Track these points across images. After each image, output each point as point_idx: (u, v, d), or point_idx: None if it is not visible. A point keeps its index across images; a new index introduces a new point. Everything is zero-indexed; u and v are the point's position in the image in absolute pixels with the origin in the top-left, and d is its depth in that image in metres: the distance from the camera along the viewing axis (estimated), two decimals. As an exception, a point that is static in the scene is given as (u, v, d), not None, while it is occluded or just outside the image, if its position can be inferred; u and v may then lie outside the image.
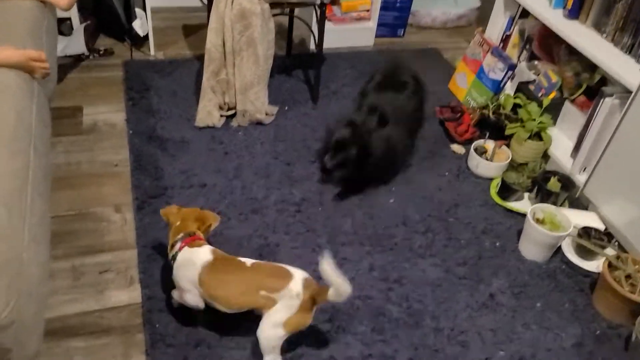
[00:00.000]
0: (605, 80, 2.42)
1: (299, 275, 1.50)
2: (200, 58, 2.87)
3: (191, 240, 1.59)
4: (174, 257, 1.57)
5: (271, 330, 1.47)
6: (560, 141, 2.45)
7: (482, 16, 3.56)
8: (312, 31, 2.51)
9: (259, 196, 2.12)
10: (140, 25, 2.76)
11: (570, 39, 2.31)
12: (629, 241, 2.00)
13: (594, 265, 2.00)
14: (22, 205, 1.24)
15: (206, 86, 2.36)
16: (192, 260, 1.54)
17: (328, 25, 3.14)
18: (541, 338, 1.75)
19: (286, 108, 2.61)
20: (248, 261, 1.57)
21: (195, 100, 2.55)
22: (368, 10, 3.18)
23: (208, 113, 2.39)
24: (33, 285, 1.14)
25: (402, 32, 3.37)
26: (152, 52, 2.86)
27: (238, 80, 2.35)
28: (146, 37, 2.88)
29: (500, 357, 1.68)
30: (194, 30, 3.14)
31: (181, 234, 1.59)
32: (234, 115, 2.47)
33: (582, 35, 2.30)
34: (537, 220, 1.98)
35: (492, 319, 1.79)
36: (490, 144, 2.39)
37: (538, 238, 1.97)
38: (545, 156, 2.43)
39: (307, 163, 2.31)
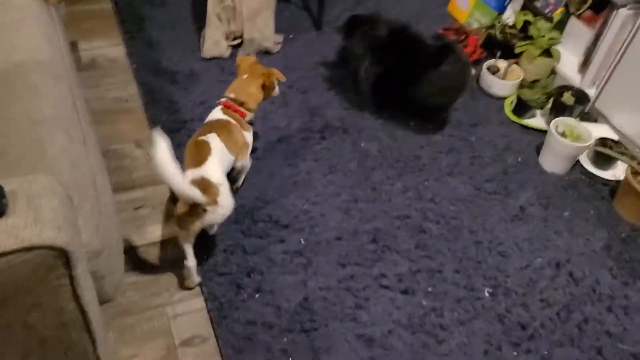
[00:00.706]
0: (608, -7, 2.42)
1: None
2: (191, -12, 2.72)
3: (229, 107, 1.67)
4: None
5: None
6: (566, 57, 2.46)
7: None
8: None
9: (280, 125, 2.08)
10: (127, -48, 2.57)
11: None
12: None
13: (611, 174, 2.08)
14: (78, 131, 1.17)
15: (211, 13, 2.24)
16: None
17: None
18: (572, 244, 1.82)
19: (290, 36, 2.52)
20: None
21: (196, 31, 2.43)
22: None
23: (215, 43, 2.28)
24: (110, 210, 1.09)
25: (394, -45, 3.26)
26: (139, -19, 2.68)
27: (245, 5, 2.24)
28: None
29: (538, 264, 1.74)
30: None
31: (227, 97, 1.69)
32: (240, 45, 2.37)
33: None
34: (560, 134, 2.02)
35: (526, 229, 1.85)
36: (502, 63, 2.40)
37: (561, 150, 2.01)
38: (552, 73, 2.46)
39: (323, 90, 2.26)
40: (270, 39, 2.36)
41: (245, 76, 1.72)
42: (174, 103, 2.09)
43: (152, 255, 1.62)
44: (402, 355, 1.47)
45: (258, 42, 2.34)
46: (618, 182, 2.04)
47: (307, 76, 2.32)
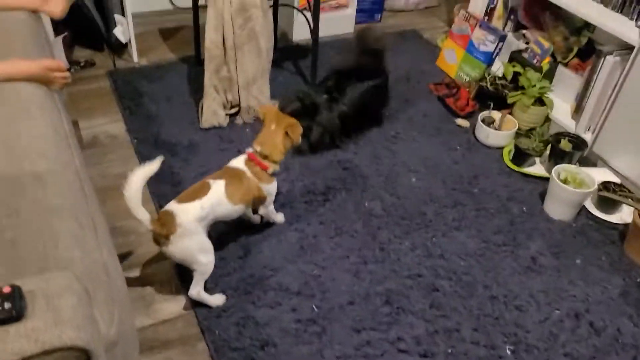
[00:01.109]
0: (591, 41, 2.51)
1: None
2: (185, 60, 2.79)
3: (252, 159, 1.71)
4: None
5: None
6: (558, 104, 2.51)
7: (451, -5, 3.64)
8: (307, 19, 2.48)
9: (283, 190, 2.07)
10: (122, 31, 2.64)
11: (562, 3, 2.38)
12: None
13: (618, 217, 2.08)
14: (87, 216, 1.16)
15: (209, 85, 2.28)
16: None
17: (308, 15, 3.13)
18: (589, 292, 1.79)
19: (286, 101, 2.56)
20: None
21: (192, 102, 2.47)
22: (345, -2, 3.17)
23: (213, 113, 2.31)
24: (123, 296, 1.06)
25: (379, 17, 3.38)
26: (135, 59, 2.75)
27: (240, 75, 2.28)
28: (125, 44, 2.76)
29: (557, 316, 1.71)
30: (172, 34, 3.04)
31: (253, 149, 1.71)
32: (237, 113, 2.40)
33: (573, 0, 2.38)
34: (562, 181, 2.02)
35: (540, 280, 1.82)
36: (496, 114, 2.43)
37: (565, 197, 2.01)
38: (547, 121, 2.50)
39: (323, 152, 2.27)
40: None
41: (273, 126, 1.72)
42: (175, 175, 2.09)
43: (162, 334, 1.57)
44: None
45: (255, 109, 2.37)
46: (626, 225, 2.03)
47: (306, 136, 2.33)
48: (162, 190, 2.01)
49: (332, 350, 1.56)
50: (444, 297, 1.74)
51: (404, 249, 1.89)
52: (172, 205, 1.56)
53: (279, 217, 1.92)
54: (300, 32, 3.05)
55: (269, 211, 1.85)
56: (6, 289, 0.70)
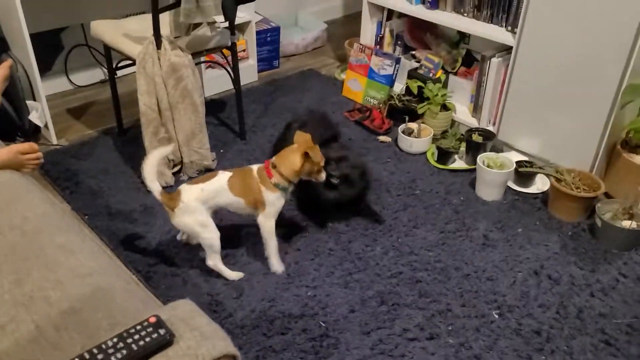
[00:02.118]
0: (469, 51, 2.94)
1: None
2: (107, 133, 2.79)
3: (264, 167, 1.89)
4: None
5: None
6: (458, 108, 2.88)
7: (331, 33, 3.99)
8: (228, 72, 2.62)
9: (251, 229, 2.16)
10: (38, 116, 2.59)
11: (441, 22, 2.78)
12: (547, 160, 2.47)
13: (535, 188, 2.43)
14: (126, 273, 1.19)
15: (150, 148, 2.32)
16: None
17: (212, 72, 3.27)
18: (537, 252, 2.08)
19: (222, 151, 2.66)
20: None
21: (130, 170, 2.48)
22: (244, 50, 3.36)
23: (160, 174, 2.34)
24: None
25: (277, 62, 3.62)
26: (54, 141, 2.69)
27: (180, 133, 2.36)
28: (39, 129, 2.71)
29: (521, 277, 1.97)
30: (81, 111, 3.02)
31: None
32: (180, 170, 2.46)
33: (449, 18, 2.78)
34: (487, 167, 2.34)
35: (497, 252, 2.08)
36: (413, 125, 2.74)
37: (493, 179, 2.33)
38: (454, 122, 2.85)
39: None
40: (209, 157, 2.48)
41: (296, 146, 1.87)
42: (140, 239, 2.09)
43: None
44: (456, 393, 1.57)
45: (197, 163, 2.45)
46: (543, 192, 2.39)
47: (254, 181, 2.45)
48: (133, 257, 2.01)
49: (351, 356, 1.67)
50: (427, 285, 1.93)
51: (377, 254, 2.06)
52: (183, 186, 1.86)
53: (277, 266, 1.97)
54: (210, 88, 3.18)
55: (264, 227, 1.91)
56: (152, 319, 0.75)
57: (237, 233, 2.15)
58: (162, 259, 2.01)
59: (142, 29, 2.32)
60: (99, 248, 1.28)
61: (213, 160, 2.53)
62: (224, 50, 2.62)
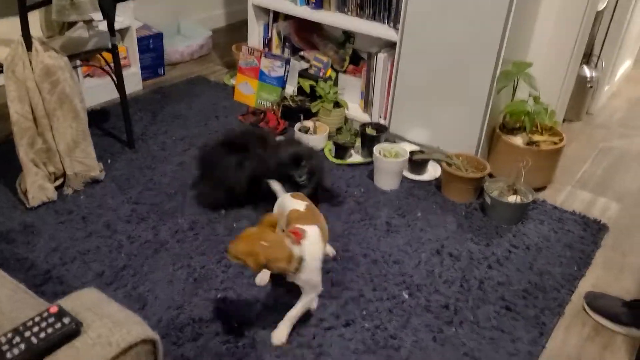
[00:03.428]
0: (355, 50, 3.03)
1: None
2: (-26, 149, 2.50)
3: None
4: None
5: None
6: (349, 105, 2.95)
7: (216, 41, 3.93)
8: (112, 78, 2.45)
9: (149, 237, 2.04)
10: None
11: (327, 22, 2.83)
12: (435, 147, 2.59)
13: (428, 176, 2.54)
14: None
15: (26, 161, 2.11)
16: None
17: (92, 81, 3.07)
18: (437, 233, 2.17)
19: (109, 161, 2.49)
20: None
21: (5, 187, 2.24)
22: (125, 57, 3.19)
23: (40, 188, 2.14)
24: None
25: (163, 70, 3.48)
26: None
27: (60, 143, 2.17)
28: None
29: (425, 257, 2.04)
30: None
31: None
32: (63, 184, 2.26)
33: (334, 18, 2.84)
34: (383, 156, 2.41)
35: (400, 237, 2.14)
36: (308, 123, 2.75)
37: (390, 168, 2.40)
38: (347, 119, 2.91)
39: (172, 195, 2.29)
40: (95, 167, 2.30)
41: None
42: (22, 260, 1.88)
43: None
44: (377, 374, 1.57)
45: (83, 174, 2.27)
46: (436, 179, 2.50)
47: (147, 188, 2.32)
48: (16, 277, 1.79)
49: (269, 353, 1.61)
50: (338, 274, 1.92)
51: (285, 250, 2.02)
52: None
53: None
54: (90, 99, 2.98)
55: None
56: (53, 309, 0.65)
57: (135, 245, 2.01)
58: (50, 278, 1.82)
59: (9, 30, 2.11)
60: None
61: (101, 171, 2.35)
62: (105, 55, 2.46)
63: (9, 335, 0.64)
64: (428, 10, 2.39)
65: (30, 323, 0.65)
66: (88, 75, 3.04)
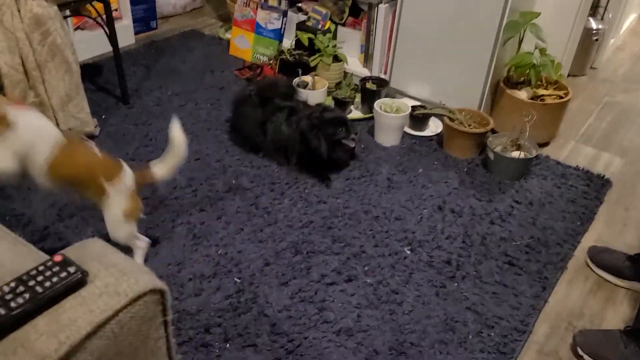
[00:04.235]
0: (355, 2, 2.92)
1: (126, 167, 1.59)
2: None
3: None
4: None
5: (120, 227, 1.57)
6: (349, 59, 2.87)
7: (213, -7, 3.80)
8: (105, 31, 2.36)
9: (147, 194, 2.00)
10: None
11: (327, -28, 2.72)
12: (438, 103, 2.54)
13: (429, 131, 2.49)
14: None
15: (19, 115, 2.04)
16: None
17: (83, 34, 2.97)
18: (439, 189, 2.14)
19: (103, 117, 2.43)
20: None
21: None
22: (117, 10, 3.08)
23: (34, 144, 2.08)
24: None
25: (155, 24, 3.37)
26: None
27: (53, 97, 2.10)
28: None
29: (427, 214, 2.02)
30: None
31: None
32: (58, 140, 2.20)
33: (334, -33, 2.73)
34: (384, 112, 2.36)
35: (402, 193, 2.11)
36: (307, 77, 2.68)
37: (391, 124, 2.35)
38: (346, 74, 2.84)
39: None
40: (90, 123, 2.24)
41: None
42: (19, 217, 1.85)
43: None
44: (380, 328, 1.57)
45: (77, 130, 2.21)
46: (437, 134, 2.46)
47: (145, 144, 2.27)
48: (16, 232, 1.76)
49: (271, 307, 1.60)
50: (339, 231, 1.90)
51: (286, 206, 2.00)
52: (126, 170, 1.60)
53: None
54: (81, 52, 2.88)
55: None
56: (57, 258, 0.62)
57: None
58: (48, 235, 1.79)
59: (-5, -23, 2.01)
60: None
61: (95, 127, 2.29)
62: (96, 5, 2.36)
63: (12, 284, 0.61)
64: (432, -41, 2.29)
65: (34, 272, 0.62)
66: (78, 27, 2.93)
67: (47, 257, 0.96)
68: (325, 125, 2.12)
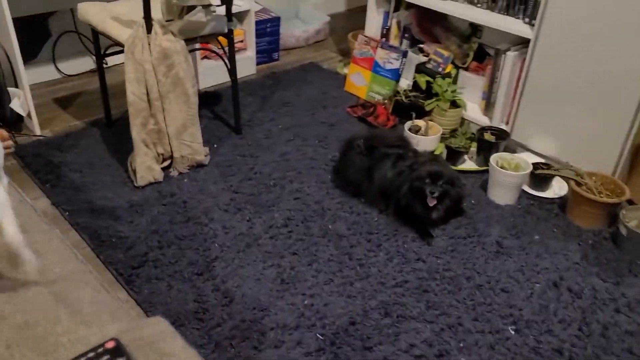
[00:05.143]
0: (481, 45, 2.76)
1: None
2: (94, 124, 2.62)
3: None
4: None
5: None
6: (468, 105, 2.71)
7: (334, 26, 3.82)
8: (225, 62, 2.44)
9: (243, 230, 1.99)
10: (20, 104, 2.41)
11: (453, 13, 2.61)
12: (565, 162, 2.29)
13: (551, 193, 2.26)
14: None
15: (138, 140, 2.15)
16: None
17: (208, 62, 3.10)
18: (556, 262, 1.91)
19: (215, 146, 2.49)
20: None
21: (117, 164, 2.31)
22: (242, 41, 3.19)
23: (148, 168, 2.18)
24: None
25: (277, 55, 3.44)
26: (37, 131, 2.52)
27: (170, 125, 2.18)
28: (22, 118, 2.54)
29: (539, 289, 1.80)
30: (69, 102, 2.84)
31: None
32: (170, 166, 2.28)
33: (461, 9, 2.61)
34: (501, 168, 2.17)
35: (512, 261, 1.91)
36: (420, 122, 2.56)
37: (507, 182, 2.16)
38: (463, 121, 2.68)
39: (271, 187, 2.23)
40: (201, 152, 2.30)
41: None
42: (124, 239, 1.92)
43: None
44: (469, 419, 1.39)
45: (189, 158, 2.28)
46: (560, 197, 2.22)
47: (248, 177, 2.28)
48: (114, 258, 1.84)
49: (352, 373, 1.49)
50: (435, 296, 1.75)
51: (381, 260, 1.89)
52: None
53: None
54: (205, 80, 3.02)
55: None
56: (110, 344, 0.59)
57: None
58: (146, 261, 1.84)
59: (132, 12, 2.15)
60: (68, 250, 1.11)
61: (206, 156, 2.36)
62: (221, 39, 2.44)
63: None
64: (572, 5, 2.09)
65: (83, 359, 0.59)
66: (205, 57, 3.07)
67: (124, 307, 0.95)
68: (418, 179, 1.99)
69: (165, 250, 1.89)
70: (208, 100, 2.89)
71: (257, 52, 3.27)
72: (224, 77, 2.97)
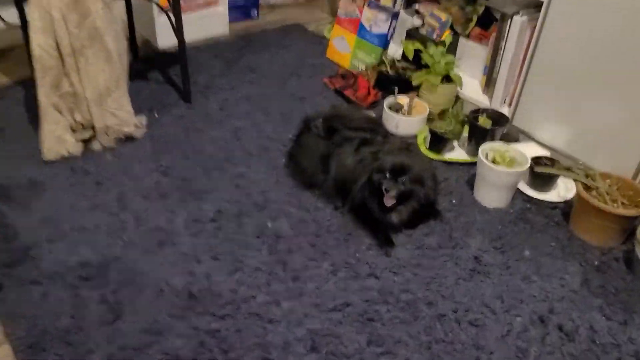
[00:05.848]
0: (488, 9, 2.28)
1: None
2: (22, 83, 2.24)
3: None
4: None
5: None
6: (466, 81, 2.26)
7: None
8: (169, 19, 2.03)
9: (161, 224, 1.61)
10: None
11: (454, -33, 2.13)
12: (575, 159, 1.85)
13: (555, 195, 1.82)
14: None
15: (46, 105, 1.77)
16: None
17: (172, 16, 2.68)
18: (548, 288, 1.49)
19: (156, 115, 2.11)
20: None
21: (33, 130, 1.94)
22: (213, -7, 2.76)
23: (58, 139, 1.80)
24: None
25: (256, 12, 3.01)
26: (-48, 87, 2.16)
27: (88, 88, 1.80)
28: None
29: (519, 325, 1.39)
30: (6, 53, 2.47)
31: None
32: (93, 137, 1.90)
33: (464, -38, 2.13)
34: (491, 161, 1.73)
35: (490, 283, 1.50)
36: (403, 99, 2.13)
37: (498, 180, 1.72)
38: (457, 99, 2.23)
39: (209, 170, 1.84)
40: (130, 122, 1.92)
41: None
42: (9, 227, 1.56)
43: None
44: None
45: (115, 129, 1.89)
46: (566, 202, 1.78)
47: (185, 156, 1.90)
48: (-10, 249, 1.48)
49: None
50: (382, 327, 1.36)
51: (323, 273, 1.49)
52: None
53: None
54: (166, 37, 2.59)
55: None
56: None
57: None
58: (26, 258, 1.47)
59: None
60: None
61: (138, 127, 1.96)
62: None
63: None
64: (597, -42, 1.61)
65: None
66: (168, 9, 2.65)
67: None
68: (378, 172, 1.57)
69: (55, 244, 1.52)
70: (167, 62, 2.48)
71: (232, 8, 2.83)
72: (196, 34, 2.56)
